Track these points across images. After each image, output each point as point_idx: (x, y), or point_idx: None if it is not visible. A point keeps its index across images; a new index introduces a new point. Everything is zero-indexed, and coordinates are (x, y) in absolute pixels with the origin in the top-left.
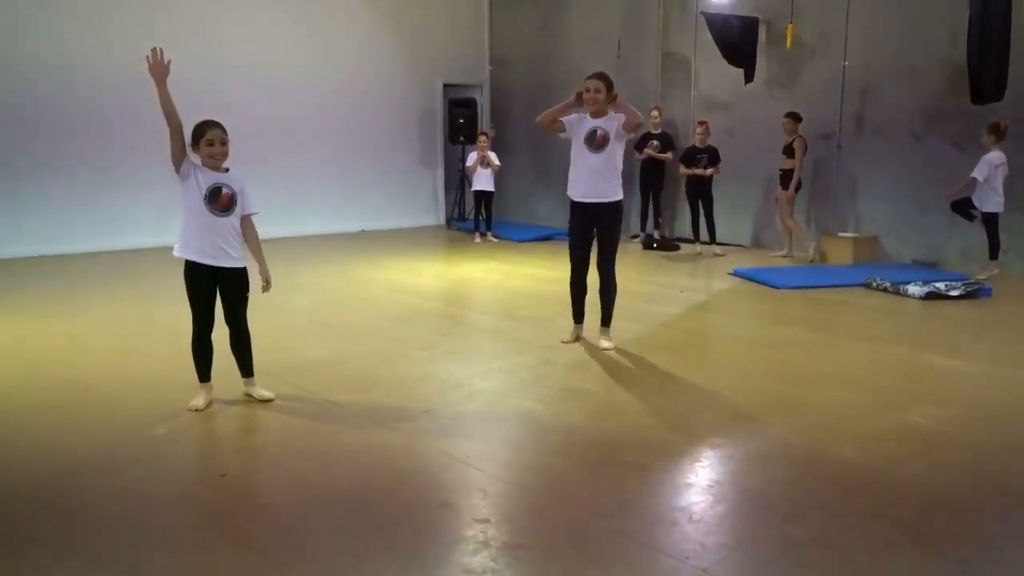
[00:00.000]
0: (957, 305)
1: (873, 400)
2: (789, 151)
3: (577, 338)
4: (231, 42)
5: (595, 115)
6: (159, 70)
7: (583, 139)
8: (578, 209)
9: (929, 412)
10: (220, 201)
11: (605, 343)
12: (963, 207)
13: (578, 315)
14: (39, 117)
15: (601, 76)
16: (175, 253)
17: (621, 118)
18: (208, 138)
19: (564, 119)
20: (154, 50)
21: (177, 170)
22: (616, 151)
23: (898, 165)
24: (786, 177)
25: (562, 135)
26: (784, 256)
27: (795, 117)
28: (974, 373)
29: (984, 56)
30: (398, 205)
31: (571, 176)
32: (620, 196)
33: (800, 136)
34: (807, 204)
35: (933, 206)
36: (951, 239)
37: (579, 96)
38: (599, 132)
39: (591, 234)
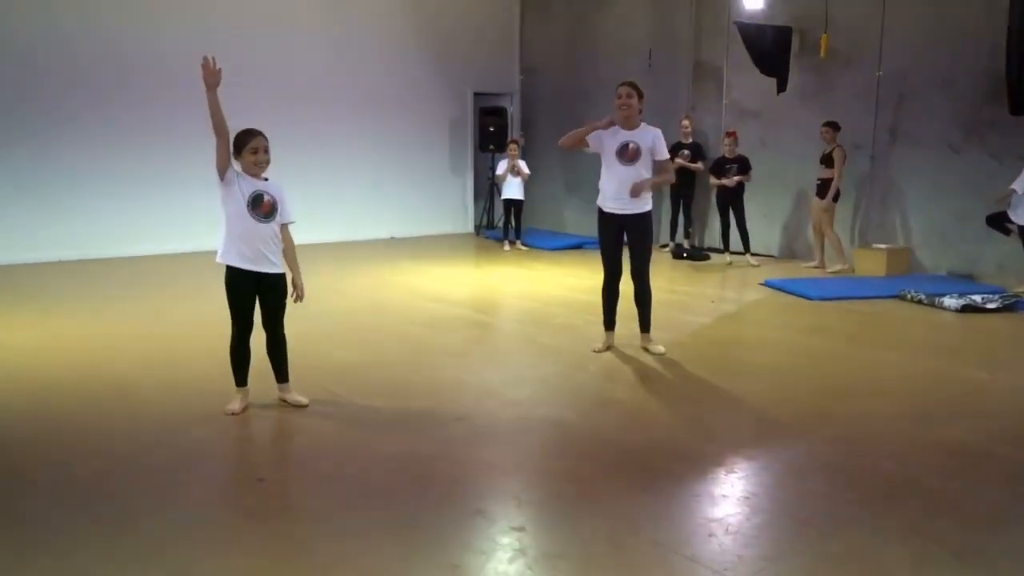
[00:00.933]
0: (994, 318)
1: (910, 413)
2: (828, 160)
3: (608, 347)
4: (265, 51)
5: (627, 126)
6: (211, 77)
7: (615, 151)
8: (607, 219)
9: (968, 426)
10: (263, 208)
11: (657, 348)
12: (998, 220)
13: (609, 323)
14: (76, 122)
15: (632, 84)
16: (218, 259)
17: (654, 136)
18: (252, 146)
19: (595, 136)
20: (206, 58)
21: (221, 177)
22: (647, 165)
23: (933, 176)
24: (823, 187)
25: (587, 150)
26: (815, 267)
27: (834, 126)
28: (1013, 387)
29: (1023, 67)
30: (428, 212)
31: (601, 186)
32: (649, 207)
33: (839, 145)
34: (840, 215)
35: (970, 218)
36: (987, 251)
37: (608, 123)
38: (631, 146)
39: (621, 242)
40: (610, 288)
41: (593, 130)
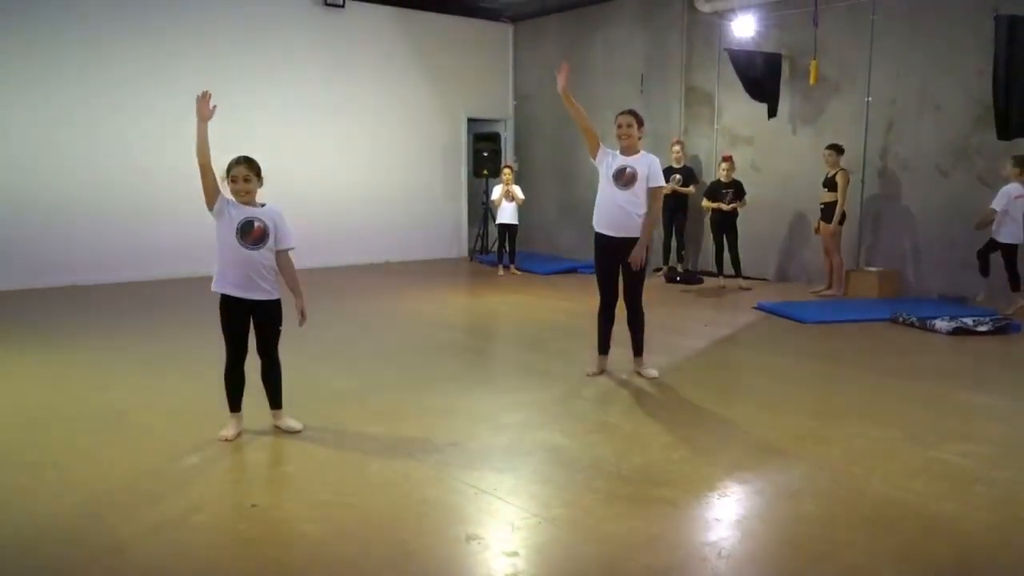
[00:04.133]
0: (985, 341)
1: (903, 436)
2: (830, 184)
3: (602, 371)
4: (260, 76)
5: (626, 152)
6: (205, 111)
7: (611, 175)
8: (602, 241)
9: (960, 449)
10: (252, 235)
11: (650, 371)
12: (985, 257)
13: (603, 346)
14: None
15: (632, 112)
16: (213, 288)
17: (650, 163)
18: (232, 175)
19: (600, 148)
20: (205, 93)
21: (210, 208)
22: (642, 190)
23: (923, 200)
24: (828, 211)
25: (592, 154)
26: (825, 291)
27: (837, 149)
28: (1005, 409)
29: (1010, 91)
30: (422, 237)
31: (597, 206)
32: None
33: (843, 169)
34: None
35: (960, 241)
36: (978, 275)
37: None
38: (628, 170)
39: (616, 266)
40: (606, 314)
41: (565, 96)
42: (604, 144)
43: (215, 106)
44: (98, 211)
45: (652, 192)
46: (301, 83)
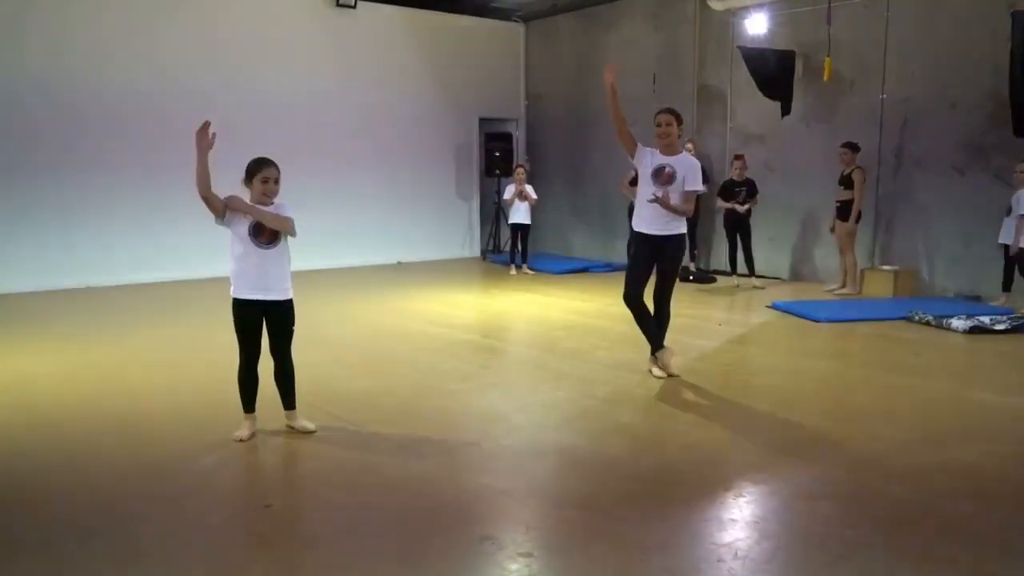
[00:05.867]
0: (1002, 339)
1: (921, 436)
2: (846, 182)
3: (663, 367)
4: (273, 78)
5: (666, 151)
6: (204, 142)
7: (650, 173)
8: (642, 240)
9: (979, 448)
10: (265, 234)
11: (661, 372)
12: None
13: (652, 339)
14: (78, 150)
15: (671, 111)
16: (232, 294)
17: (689, 166)
18: (263, 176)
19: (638, 147)
20: (205, 123)
21: (219, 221)
22: (679, 189)
23: (939, 198)
24: (844, 209)
25: (630, 152)
26: (840, 290)
27: (853, 147)
28: (1023, 409)
29: None
30: (434, 237)
31: (636, 208)
32: (683, 229)
33: (859, 167)
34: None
35: (976, 239)
36: (994, 273)
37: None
38: (667, 170)
39: (651, 266)
40: (634, 305)
41: (612, 92)
42: (641, 143)
43: (215, 133)
44: (110, 211)
45: (684, 195)
46: (313, 83)
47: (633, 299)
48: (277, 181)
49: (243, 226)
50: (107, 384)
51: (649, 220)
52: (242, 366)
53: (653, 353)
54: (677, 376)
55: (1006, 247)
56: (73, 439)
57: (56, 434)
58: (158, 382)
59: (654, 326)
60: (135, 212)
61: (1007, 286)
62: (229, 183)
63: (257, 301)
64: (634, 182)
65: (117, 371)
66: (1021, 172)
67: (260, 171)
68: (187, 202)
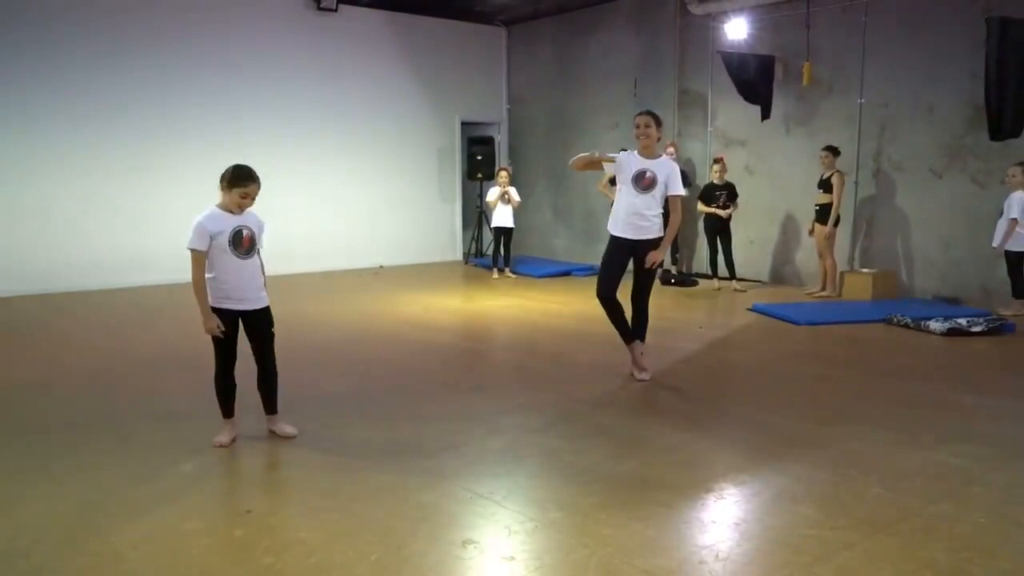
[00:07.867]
0: (980, 341)
1: (899, 438)
2: (826, 185)
3: (636, 362)
4: (253, 81)
5: (645, 152)
6: (210, 327)
7: (630, 178)
8: (618, 244)
9: (957, 449)
10: (243, 244)
11: (645, 364)
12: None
13: (624, 330)
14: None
15: (650, 113)
16: (212, 305)
17: (671, 170)
18: (244, 191)
19: (616, 158)
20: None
21: (203, 250)
22: (660, 193)
23: (917, 201)
24: (823, 212)
25: (608, 167)
26: (820, 293)
27: (834, 151)
28: (1001, 410)
29: (1002, 92)
30: (416, 241)
31: (614, 211)
32: (661, 233)
33: (839, 171)
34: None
35: (954, 242)
36: (972, 275)
37: (606, 159)
38: (648, 175)
39: (626, 262)
40: (607, 304)
41: (603, 160)
42: (619, 151)
43: (219, 324)
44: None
45: (672, 201)
46: (294, 87)
47: (605, 300)
48: (254, 199)
49: (223, 238)
50: (84, 390)
51: (626, 225)
52: (218, 372)
53: (627, 345)
54: (647, 380)
55: (1006, 253)
56: (50, 444)
57: (32, 440)
58: (135, 387)
59: (624, 319)
60: (112, 216)
61: (1018, 293)
62: (207, 187)
63: (234, 311)
64: (613, 181)
65: (93, 376)
66: (1013, 175)
67: (243, 186)
68: (162, 205)
